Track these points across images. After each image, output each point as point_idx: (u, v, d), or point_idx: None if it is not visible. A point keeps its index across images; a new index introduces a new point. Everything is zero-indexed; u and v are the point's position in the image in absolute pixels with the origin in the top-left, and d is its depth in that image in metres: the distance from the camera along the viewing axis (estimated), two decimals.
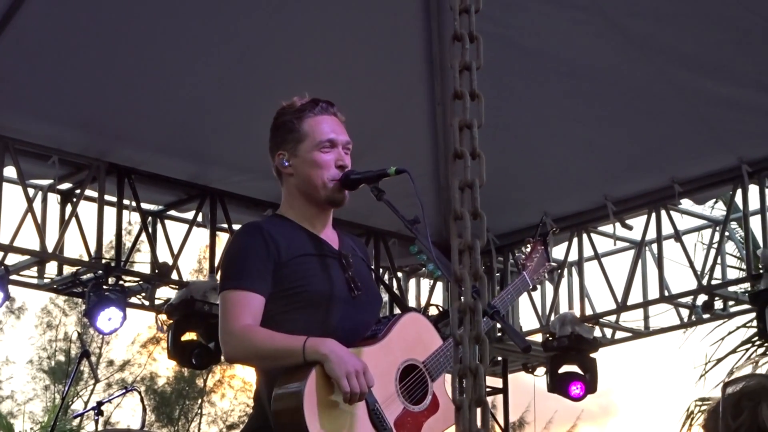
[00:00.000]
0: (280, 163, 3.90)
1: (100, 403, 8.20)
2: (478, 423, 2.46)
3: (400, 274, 10.15)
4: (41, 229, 8.61)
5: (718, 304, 9.37)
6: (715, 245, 9.33)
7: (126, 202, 8.89)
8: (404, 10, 8.47)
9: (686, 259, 9.26)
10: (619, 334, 10.01)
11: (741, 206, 9.00)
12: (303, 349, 3.61)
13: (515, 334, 4.08)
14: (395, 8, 8.42)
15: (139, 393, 9.34)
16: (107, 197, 8.77)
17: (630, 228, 9.54)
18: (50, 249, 8.56)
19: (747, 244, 9.19)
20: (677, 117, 8.54)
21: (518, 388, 11.50)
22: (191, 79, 8.35)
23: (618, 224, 9.46)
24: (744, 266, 9.33)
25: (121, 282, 8.87)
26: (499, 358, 10.42)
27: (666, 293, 9.36)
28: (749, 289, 9.41)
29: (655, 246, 9.41)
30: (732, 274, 9.53)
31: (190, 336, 9.05)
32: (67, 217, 8.72)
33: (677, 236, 9.29)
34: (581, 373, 9.78)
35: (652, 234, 9.40)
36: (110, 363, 24.38)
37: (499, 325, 4.38)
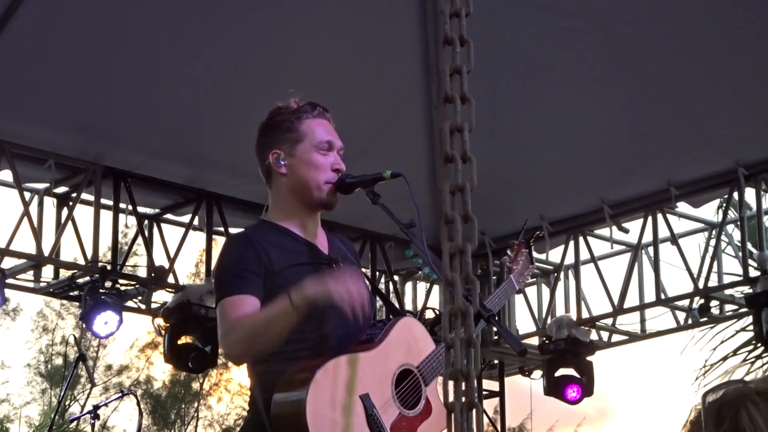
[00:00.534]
0: (274, 161, 3.86)
1: (96, 407, 8.19)
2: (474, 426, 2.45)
3: (396, 278, 10.14)
4: (37, 233, 8.60)
5: (715, 308, 9.38)
6: (712, 248, 9.32)
7: (122, 205, 8.88)
8: (401, 14, 8.48)
9: (683, 262, 9.27)
10: (616, 338, 10.00)
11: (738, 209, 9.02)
12: (290, 302, 3.62)
13: (511, 337, 4.08)
14: (392, 12, 8.42)
15: (136, 396, 9.29)
16: (103, 201, 8.76)
17: (626, 231, 9.55)
18: (46, 253, 8.55)
19: (743, 247, 9.17)
20: (673, 120, 8.55)
21: (515, 392, 11.50)
22: (187, 83, 8.35)
23: (614, 227, 9.46)
24: (741, 269, 9.29)
25: (117, 286, 8.86)
26: (496, 362, 10.42)
27: (662, 296, 9.36)
28: (746, 291, 9.39)
29: (651, 249, 9.41)
30: (728, 276, 9.51)
31: (186, 339, 9.05)
32: (63, 220, 8.70)
33: (674, 239, 9.29)
34: (578, 376, 9.77)
35: (648, 237, 9.40)
36: (108, 367, 24.34)
37: (495, 329, 4.38)
